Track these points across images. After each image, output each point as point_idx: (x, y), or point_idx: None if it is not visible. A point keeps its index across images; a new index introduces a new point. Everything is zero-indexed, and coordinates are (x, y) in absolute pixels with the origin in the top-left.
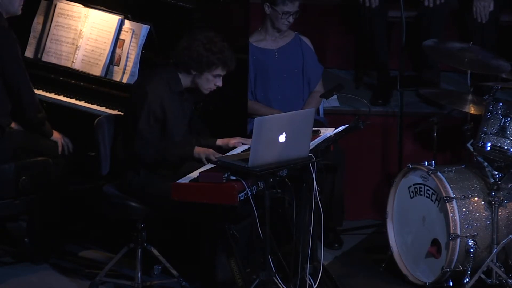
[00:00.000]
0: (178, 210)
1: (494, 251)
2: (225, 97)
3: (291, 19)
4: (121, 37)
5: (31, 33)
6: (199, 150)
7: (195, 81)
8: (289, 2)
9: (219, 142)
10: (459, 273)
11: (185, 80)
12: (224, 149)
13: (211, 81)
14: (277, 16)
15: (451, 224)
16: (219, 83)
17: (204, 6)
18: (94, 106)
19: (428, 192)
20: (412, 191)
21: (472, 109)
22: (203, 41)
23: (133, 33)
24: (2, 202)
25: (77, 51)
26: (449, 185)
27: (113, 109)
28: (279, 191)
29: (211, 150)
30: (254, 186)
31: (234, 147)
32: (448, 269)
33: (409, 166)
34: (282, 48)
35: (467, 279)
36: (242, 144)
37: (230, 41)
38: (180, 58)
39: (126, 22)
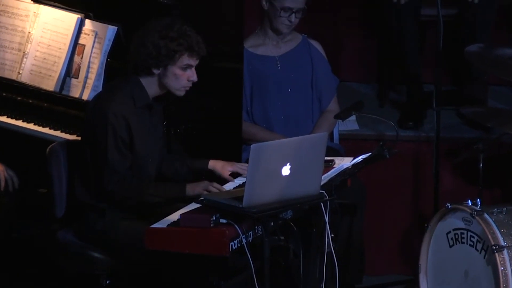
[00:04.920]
0: (153, 262)
1: None
2: (213, 118)
3: (293, 18)
4: (81, 41)
5: None
6: (192, 188)
7: (162, 83)
8: None
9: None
10: None
11: (151, 88)
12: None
13: (181, 76)
14: (276, 13)
15: (501, 281)
16: (193, 76)
17: (186, 2)
18: (46, 130)
19: (472, 239)
20: (452, 238)
21: None
22: (157, 29)
23: (96, 36)
24: None
25: (24, 60)
26: (499, 231)
27: (71, 134)
28: (282, 238)
29: (206, 181)
30: (250, 232)
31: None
32: None
33: (448, 206)
34: (285, 55)
35: None
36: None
37: (220, 46)
38: (136, 59)
39: (87, 22)
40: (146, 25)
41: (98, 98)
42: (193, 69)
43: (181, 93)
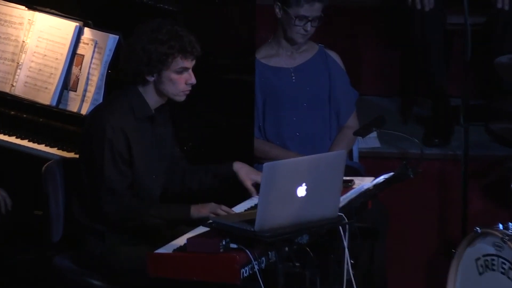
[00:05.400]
0: None
1: None
2: (222, 134)
3: (308, 27)
4: (79, 51)
5: None
6: (197, 209)
7: (159, 90)
8: (306, 3)
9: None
10: None
11: (150, 97)
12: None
13: (178, 81)
14: (290, 22)
15: None
16: (191, 79)
17: (192, 9)
18: (41, 147)
19: (503, 266)
20: (481, 265)
21: None
22: (145, 33)
23: (95, 46)
24: None
25: (18, 71)
26: None
27: (68, 151)
28: (298, 264)
29: (213, 203)
30: (263, 258)
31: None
32: None
33: (477, 230)
34: (300, 66)
35: None
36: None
37: (229, 57)
38: (128, 67)
39: (86, 30)
40: (135, 30)
41: (95, 111)
42: (190, 71)
43: (181, 98)
